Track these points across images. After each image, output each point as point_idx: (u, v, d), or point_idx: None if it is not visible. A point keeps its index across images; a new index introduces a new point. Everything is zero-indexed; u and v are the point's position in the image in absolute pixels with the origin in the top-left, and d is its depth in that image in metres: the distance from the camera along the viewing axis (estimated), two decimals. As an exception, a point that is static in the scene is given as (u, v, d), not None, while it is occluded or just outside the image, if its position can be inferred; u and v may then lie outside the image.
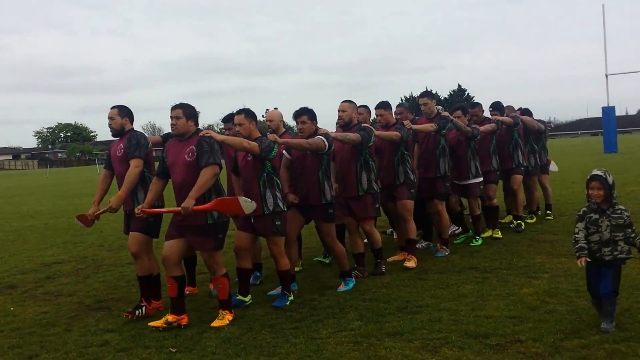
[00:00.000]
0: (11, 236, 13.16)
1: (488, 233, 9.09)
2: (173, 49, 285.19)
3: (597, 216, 4.89)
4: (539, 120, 10.79)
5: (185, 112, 5.80)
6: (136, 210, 5.81)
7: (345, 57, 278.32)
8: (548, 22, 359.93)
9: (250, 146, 5.87)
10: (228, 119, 7.26)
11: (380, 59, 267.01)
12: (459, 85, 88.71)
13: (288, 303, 6.22)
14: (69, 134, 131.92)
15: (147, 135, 6.57)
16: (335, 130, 7.45)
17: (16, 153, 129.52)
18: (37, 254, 10.54)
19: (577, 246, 4.93)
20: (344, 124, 7.21)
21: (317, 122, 6.72)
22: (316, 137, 6.43)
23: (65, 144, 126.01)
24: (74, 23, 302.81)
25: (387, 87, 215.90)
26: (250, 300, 6.36)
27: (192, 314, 6.03)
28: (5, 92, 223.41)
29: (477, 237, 8.76)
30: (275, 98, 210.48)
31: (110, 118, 6.40)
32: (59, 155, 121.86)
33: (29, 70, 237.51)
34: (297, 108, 6.71)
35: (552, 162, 11.16)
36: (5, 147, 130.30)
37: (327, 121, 8.59)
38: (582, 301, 5.52)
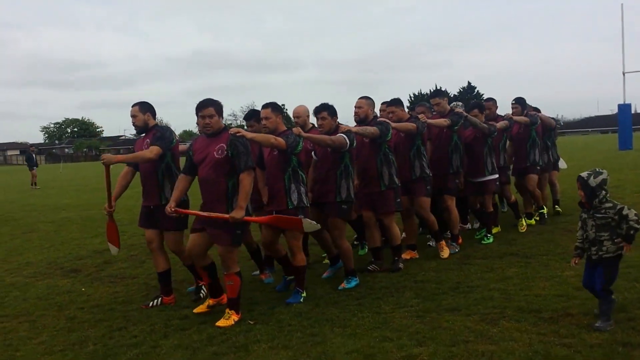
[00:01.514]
0: (52, 227, 13.65)
1: (521, 226, 9.36)
2: (178, 45, 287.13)
3: (585, 215, 5.05)
4: (552, 118, 10.86)
5: (217, 108, 5.74)
6: (168, 209, 5.77)
7: (352, 54, 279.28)
8: (557, 20, 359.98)
9: (277, 142, 5.94)
10: (250, 116, 7.15)
11: (388, 55, 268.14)
12: (469, 83, 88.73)
13: (302, 300, 6.23)
14: (75, 129, 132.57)
15: (173, 131, 6.57)
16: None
17: (23, 148, 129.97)
18: (85, 242, 11.06)
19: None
20: (359, 120, 7.32)
21: (337, 118, 6.83)
22: (338, 135, 6.51)
23: (72, 139, 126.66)
24: (79, 18, 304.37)
25: (395, 84, 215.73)
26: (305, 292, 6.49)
27: (258, 293, 6.57)
28: (10, 87, 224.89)
29: (489, 235, 8.71)
30: (281, 94, 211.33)
31: (133, 116, 6.43)
32: (66, 150, 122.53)
33: (34, 65, 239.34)
34: (318, 104, 6.85)
35: (561, 159, 11.27)
36: (13, 142, 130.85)
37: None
38: (622, 282, 5.93)
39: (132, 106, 6.48)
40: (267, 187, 6.37)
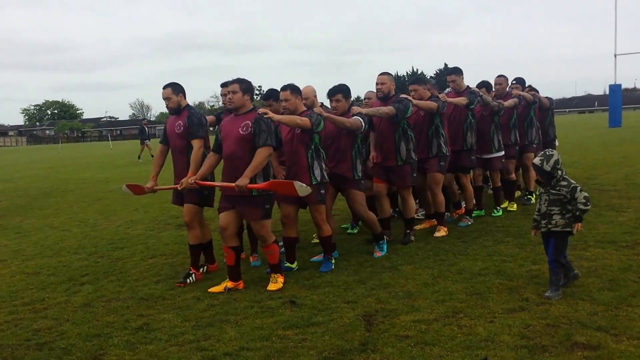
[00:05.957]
0: (116, 195, 14.50)
1: (504, 204, 9.50)
2: (151, 26, 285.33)
3: (542, 190, 5.38)
4: (546, 97, 11.04)
5: (242, 86, 5.95)
6: (189, 181, 6.11)
7: (325, 35, 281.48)
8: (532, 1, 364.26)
9: (302, 122, 6.16)
10: (269, 95, 7.15)
11: (362, 37, 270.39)
12: (446, 65, 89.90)
13: (332, 267, 6.65)
14: (55, 111, 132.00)
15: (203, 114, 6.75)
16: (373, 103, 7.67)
17: (3, 130, 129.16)
18: (166, 205, 11.92)
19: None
20: (383, 96, 7.37)
21: (350, 100, 7.02)
22: (354, 118, 6.66)
23: (52, 121, 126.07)
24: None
25: (369, 65, 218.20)
26: (297, 266, 6.85)
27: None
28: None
29: (498, 208, 9.20)
30: (255, 75, 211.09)
31: (167, 98, 6.50)
32: (47, 132, 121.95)
33: (4, 48, 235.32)
34: (332, 86, 6.98)
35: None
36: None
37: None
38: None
39: (164, 88, 6.55)
40: (287, 166, 6.58)
